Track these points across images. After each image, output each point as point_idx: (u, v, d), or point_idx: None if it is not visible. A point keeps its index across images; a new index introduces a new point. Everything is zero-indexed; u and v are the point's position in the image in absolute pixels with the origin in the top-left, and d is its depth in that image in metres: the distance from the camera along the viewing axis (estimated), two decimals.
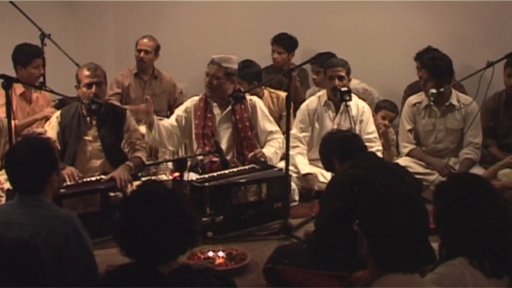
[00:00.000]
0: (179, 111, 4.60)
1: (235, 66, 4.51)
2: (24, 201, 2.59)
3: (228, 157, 4.34)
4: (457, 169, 4.59)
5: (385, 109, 5.16)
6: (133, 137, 4.34)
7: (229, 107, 4.46)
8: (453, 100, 4.71)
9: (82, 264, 2.54)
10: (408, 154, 4.81)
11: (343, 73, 4.61)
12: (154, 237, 1.95)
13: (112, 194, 3.91)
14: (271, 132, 4.60)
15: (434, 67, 4.57)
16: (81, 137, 4.27)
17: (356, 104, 4.74)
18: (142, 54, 5.60)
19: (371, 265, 2.03)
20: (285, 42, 5.75)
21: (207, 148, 4.38)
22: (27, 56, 4.74)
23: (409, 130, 4.85)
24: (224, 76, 4.41)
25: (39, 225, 2.48)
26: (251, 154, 4.40)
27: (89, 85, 4.18)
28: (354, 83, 5.23)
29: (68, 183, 3.97)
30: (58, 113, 4.38)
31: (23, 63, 4.73)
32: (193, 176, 4.18)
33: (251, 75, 5.03)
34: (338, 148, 3.36)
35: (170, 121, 4.56)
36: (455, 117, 4.73)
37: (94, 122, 4.29)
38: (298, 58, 5.77)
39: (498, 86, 4.76)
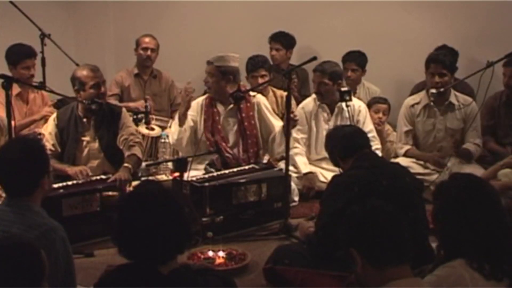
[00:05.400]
0: (190, 111, 4.59)
1: (232, 64, 4.50)
2: (11, 206, 2.51)
3: (235, 154, 4.44)
4: (455, 169, 4.59)
5: (375, 103, 5.19)
6: (127, 133, 4.32)
7: (231, 105, 4.50)
8: (452, 99, 4.72)
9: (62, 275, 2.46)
10: (405, 155, 4.82)
11: (325, 80, 4.63)
12: (151, 237, 1.94)
13: (108, 193, 3.90)
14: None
15: (448, 60, 4.62)
16: (79, 139, 4.28)
17: (352, 104, 4.73)
18: (149, 52, 5.61)
19: (369, 275, 2.05)
20: (282, 39, 5.77)
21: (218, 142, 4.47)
22: (17, 56, 4.74)
23: (406, 132, 4.85)
24: (218, 74, 4.47)
25: (21, 235, 2.37)
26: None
27: (96, 85, 4.19)
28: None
29: (80, 181, 4.00)
30: (54, 115, 4.39)
31: (12, 63, 4.74)
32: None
33: (270, 67, 5.23)
34: (340, 146, 3.35)
35: (189, 124, 4.56)
36: (455, 117, 4.74)
37: (91, 122, 4.30)
38: (297, 58, 5.77)
39: (498, 86, 4.76)
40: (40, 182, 2.56)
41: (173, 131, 4.54)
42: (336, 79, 4.67)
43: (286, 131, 4.08)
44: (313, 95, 4.85)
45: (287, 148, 4.02)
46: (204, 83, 4.67)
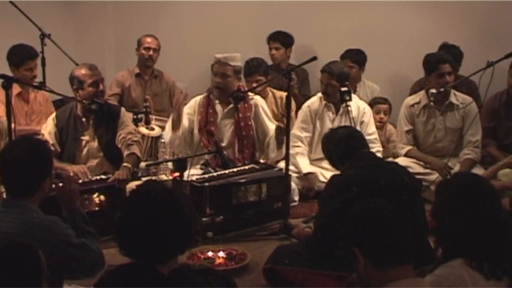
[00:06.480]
0: (187, 110, 4.61)
1: (240, 64, 4.57)
2: (10, 206, 2.51)
3: (230, 155, 4.41)
4: (457, 169, 4.59)
5: (376, 104, 5.19)
6: (126, 132, 4.32)
7: (230, 105, 4.48)
8: (452, 99, 4.73)
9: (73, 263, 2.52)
10: (406, 155, 4.82)
11: (333, 82, 4.62)
12: (153, 237, 1.95)
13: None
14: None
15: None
16: (78, 138, 4.29)
17: (357, 106, 4.74)
18: (151, 52, 5.62)
19: (371, 275, 2.05)
20: (280, 38, 5.77)
21: (209, 145, 4.43)
22: (20, 58, 4.73)
23: (407, 131, 4.85)
24: (233, 75, 4.48)
25: (20, 236, 2.37)
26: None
27: (95, 83, 4.19)
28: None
29: (81, 180, 3.97)
30: (53, 115, 4.40)
31: (15, 64, 4.73)
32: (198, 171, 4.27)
33: (267, 70, 5.17)
34: (337, 151, 3.35)
35: (184, 124, 4.55)
36: (454, 117, 4.75)
37: (91, 121, 4.31)
38: (296, 57, 5.77)
39: (498, 86, 4.76)
40: (42, 183, 2.56)
41: (167, 130, 4.54)
42: (343, 81, 4.66)
43: (287, 131, 4.08)
44: (319, 94, 4.84)
45: (287, 148, 4.02)
46: (215, 83, 4.49)
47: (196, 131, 4.55)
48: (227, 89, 4.46)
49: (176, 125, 4.42)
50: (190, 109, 4.62)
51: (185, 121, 4.56)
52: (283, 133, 4.19)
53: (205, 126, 4.49)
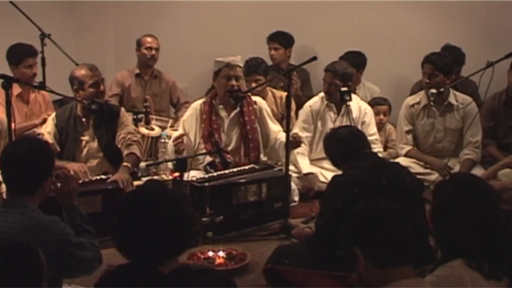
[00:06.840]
0: (188, 118, 4.57)
1: (241, 65, 4.56)
2: (10, 207, 2.52)
3: (236, 159, 4.40)
4: (457, 169, 4.59)
5: (375, 105, 5.17)
6: (125, 132, 4.32)
7: (238, 109, 4.45)
8: (452, 99, 4.73)
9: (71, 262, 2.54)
10: (406, 155, 4.82)
11: (336, 81, 4.61)
12: (153, 237, 1.94)
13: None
14: (280, 131, 4.58)
15: (441, 61, 4.60)
16: (78, 138, 4.29)
17: (358, 106, 4.74)
18: (153, 52, 5.60)
19: (371, 275, 2.05)
20: (280, 38, 5.76)
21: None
22: (18, 56, 4.74)
23: (407, 132, 4.85)
24: (243, 76, 4.49)
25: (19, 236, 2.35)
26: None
27: (95, 84, 4.19)
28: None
29: (81, 180, 3.96)
30: (53, 115, 4.40)
31: (15, 63, 4.74)
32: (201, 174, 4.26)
33: (267, 70, 5.15)
34: (338, 151, 3.35)
35: (187, 133, 4.53)
36: (454, 117, 4.75)
37: (90, 122, 4.31)
38: (296, 58, 5.77)
39: (498, 86, 4.76)
40: (42, 183, 2.57)
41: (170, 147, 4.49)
42: (347, 81, 4.64)
43: (286, 131, 4.08)
44: (321, 94, 4.84)
45: (287, 148, 4.02)
46: (229, 87, 4.35)
47: (199, 139, 4.47)
48: (241, 91, 4.41)
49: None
50: (191, 117, 4.55)
51: (188, 130, 4.51)
52: (294, 145, 4.22)
53: (209, 133, 4.43)
